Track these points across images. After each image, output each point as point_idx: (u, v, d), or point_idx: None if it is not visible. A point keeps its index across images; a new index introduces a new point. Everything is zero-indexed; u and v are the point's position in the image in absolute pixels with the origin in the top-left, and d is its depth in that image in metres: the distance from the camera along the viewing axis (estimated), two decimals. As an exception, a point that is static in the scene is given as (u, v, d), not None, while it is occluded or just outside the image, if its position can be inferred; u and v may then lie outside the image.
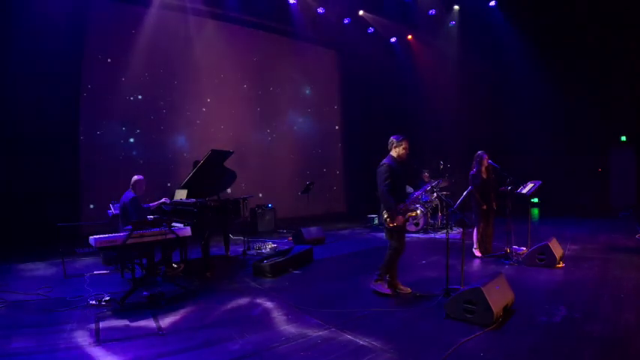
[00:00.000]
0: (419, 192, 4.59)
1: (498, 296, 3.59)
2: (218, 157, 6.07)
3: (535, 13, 10.74)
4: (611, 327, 3.37)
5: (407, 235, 8.33)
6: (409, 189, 9.27)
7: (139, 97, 9.42)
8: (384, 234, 4.53)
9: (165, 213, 5.84)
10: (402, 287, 4.56)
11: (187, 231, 4.84)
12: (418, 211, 8.61)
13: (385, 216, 4.24)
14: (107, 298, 4.31)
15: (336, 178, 13.47)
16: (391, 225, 4.22)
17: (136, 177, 5.44)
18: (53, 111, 8.00)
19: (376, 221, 9.98)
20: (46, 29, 7.69)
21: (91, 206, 8.61)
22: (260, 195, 7.65)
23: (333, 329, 3.52)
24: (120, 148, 9.18)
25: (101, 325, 3.65)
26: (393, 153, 4.42)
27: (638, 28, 9.70)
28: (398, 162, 4.37)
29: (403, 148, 4.40)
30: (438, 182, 8.90)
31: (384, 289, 4.43)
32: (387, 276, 4.55)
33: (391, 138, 4.48)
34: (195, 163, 6.27)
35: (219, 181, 6.21)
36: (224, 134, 10.70)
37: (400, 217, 4.21)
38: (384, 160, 4.36)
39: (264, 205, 9.47)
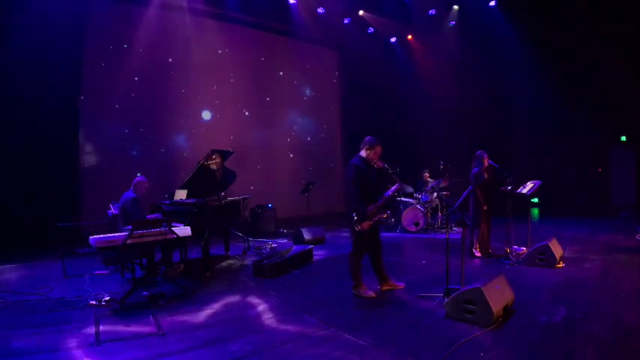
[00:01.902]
0: (389, 192, 4.47)
1: (498, 296, 3.59)
2: (218, 157, 6.07)
3: (535, 13, 10.74)
4: (611, 327, 3.37)
5: (407, 235, 8.45)
6: (409, 189, 9.28)
7: (139, 97, 9.41)
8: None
9: (165, 213, 5.84)
10: (396, 285, 4.58)
11: (187, 231, 4.83)
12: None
13: (355, 219, 4.14)
14: (107, 298, 4.31)
15: (336, 178, 13.44)
16: (357, 229, 4.13)
17: (138, 178, 5.44)
18: (53, 111, 7.99)
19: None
20: (46, 29, 7.69)
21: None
22: (251, 191, 7.72)
23: (333, 329, 3.52)
24: (120, 147, 9.18)
25: (101, 325, 3.65)
26: (363, 153, 4.35)
27: (638, 28, 9.70)
28: (365, 162, 4.29)
29: (374, 153, 4.32)
30: (438, 182, 8.91)
31: (367, 292, 4.36)
32: (384, 278, 4.55)
33: (366, 139, 4.40)
34: (198, 163, 6.27)
35: (219, 181, 6.21)
36: (224, 134, 10.70)
37: (367, 222, 4.14)
38: (352, 160, 4.29)
39: (264, 205, 9.46)
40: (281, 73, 12.04)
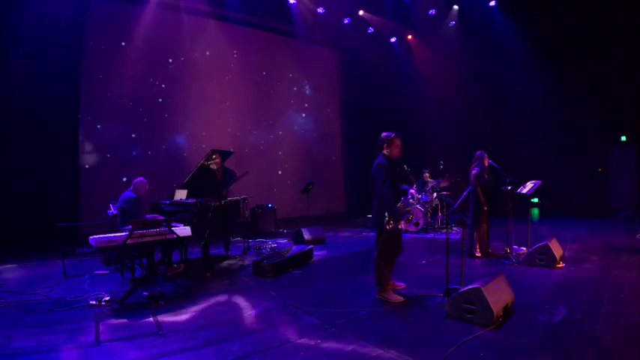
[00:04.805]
0: (410, 193, 4.49)
1: (498, 296, 3.59)
2: (218, 157, 6.08)
3: (535, 13, 10.74)
4: (611, 327, 3.37)
5: (407, 235, 8.45)
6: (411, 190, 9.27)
7: (139, 96, 9.40)
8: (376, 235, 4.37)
9: (165, 213, 5.84)
10: (396, 285, 4.56)
11: (187, 231, 4.83)
12: (415, 211, 8.65)
13: (387, 218, 4.08)
14: (107, 298, 4.31)
15: (336, 178, 13.46)
16: (389, 227, 4.09)
17: (138, 179, 5.44)
18: (53, 111, 8.00)
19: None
20: (45, 29, 7.69)
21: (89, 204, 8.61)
22: (251, 191, 7.73)
23: (333, 329, 3.52)
24: (119, 147, 9.17)
25: (101, 325, 3.65)
26: (385, 152, 4.27)
27: (638, 28, 9.70)
28: (389, 160, 4.24)
29: (395, 147, 4.25)
30: (438, 182, 8.91)
31: (393, 297, 4.24)
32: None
33: (382, 135, 4.32)
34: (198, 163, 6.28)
35: (219, 181, 6.21)
36: (224, 134, 10.70)
37: (398, 220, 4.10)
38: (378, 160, 4.21)
39: (264, 205, 9.46)
40: (281, 73, 12.03)
